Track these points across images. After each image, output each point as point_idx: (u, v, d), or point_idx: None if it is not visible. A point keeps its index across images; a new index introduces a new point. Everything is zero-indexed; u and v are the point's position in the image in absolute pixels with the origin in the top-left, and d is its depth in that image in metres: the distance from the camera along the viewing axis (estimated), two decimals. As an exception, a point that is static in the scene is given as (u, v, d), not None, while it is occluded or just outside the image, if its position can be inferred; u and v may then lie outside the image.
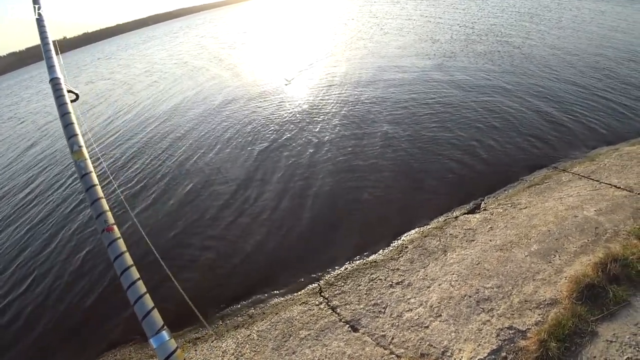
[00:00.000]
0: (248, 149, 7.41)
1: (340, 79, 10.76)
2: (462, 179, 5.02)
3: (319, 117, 8.17)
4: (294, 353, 3.21)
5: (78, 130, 1.09)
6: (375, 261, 3.98)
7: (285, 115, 8.82)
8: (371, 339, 3.08)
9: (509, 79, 8.29)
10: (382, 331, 3.11)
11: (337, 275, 3.96)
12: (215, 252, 4.79)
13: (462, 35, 13.27)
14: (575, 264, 2.98)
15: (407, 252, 3.97)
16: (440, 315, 3.05)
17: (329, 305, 3.59)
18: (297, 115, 8.58)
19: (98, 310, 4.47)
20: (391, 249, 4.10)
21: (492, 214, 4.04)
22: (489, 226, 3.87)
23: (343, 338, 3.17)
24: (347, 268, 4.02)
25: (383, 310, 3.31)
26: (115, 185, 6.88)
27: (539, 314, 2.69)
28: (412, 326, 3.05)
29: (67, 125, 1.09)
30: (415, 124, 6.87)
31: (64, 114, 1.11)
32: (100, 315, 4.37)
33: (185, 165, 7.31)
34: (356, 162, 6.00)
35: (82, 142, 1.08)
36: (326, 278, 3.97)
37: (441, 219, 4.31)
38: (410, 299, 3.33)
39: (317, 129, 7.55)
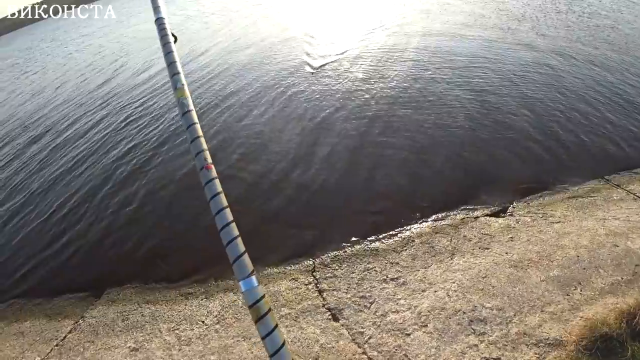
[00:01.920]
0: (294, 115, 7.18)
1: (403, 48, 9.90)
2: (497, 171, 4.45)
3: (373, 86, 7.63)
4: (270, 329, 3.16)
5: (180, 69, 1.11)
6: (376, 249, 3.73)
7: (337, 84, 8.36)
8: (348, 332, 2.93)
9: (594, 65, 7.04)
10: (362, 327, 2.94)
11: (334, 256, 3.78)
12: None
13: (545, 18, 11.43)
14: (598, 305, 2.53)
15: (412, 246, 3.66)
16: (427, 325, 2.80)
17: (317, 287, 3.46)
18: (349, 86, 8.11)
19: (113, 246, 4.74)
20: (397, 239, 3.81)
21: (518, 222, 3.55)
22: (510, 236, 3.42)
23: (321, 325, 3.05)
24: (346, 251, 3.82)
25: (369, 305, 3.11)
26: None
27: (536, 354, 2.35)
28: (393, 329, 2.84)
29: (170, 63, 1.11)
30: (477, 98, 6.15)
31: (167, 53, 1.12)
32: (113, 253, 4.65)
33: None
34: (394, 135, 5.55)
35: (184, 81, 1.09)
36: (322, 257, 3.81)
37: (459, 216, 3.89)
38: (400, 299, 3.09)
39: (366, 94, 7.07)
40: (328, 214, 4.37)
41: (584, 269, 2.86)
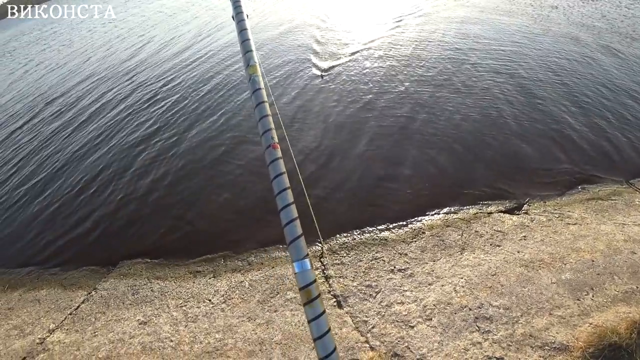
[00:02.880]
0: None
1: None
2: (515, 166, 4.32)
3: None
4: (275, 311, 3.21)
5: (253, 47, 1.13)
6: (385, 239, 3.71)
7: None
8: (352, 320, 2.95)
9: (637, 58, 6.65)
10: (366, 316, 2.96)
11: (343, 243, 3.78)
12: (231, 192, 4.83)
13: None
14: (609, 312, 2.47)
15: (422, 238, 3.63)
16: (431, 319, 2.80)
17: (323, 273, 3.48)
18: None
19: (127, 222, 4.88)
20: (407, 230, 3.78)
21: (532, 221, 3.47)
22: (523, 234, 3.35)
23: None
24: (354, 238, 3.81)
25: (374, 295, 3.12)
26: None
27: (540, 356, 2.33)
28: (397, 321, 2.85)
29: (244, 41, 1.13)
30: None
31: (242, 30, 1.15)
32: (127, 229, 4.78)
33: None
34: (416, 122, 5.42)
35: (256, 58, 1.10)
36: (331, 244, 3.82)
37: (472, 210, 3.82)
38: (406, 291, 3.08)
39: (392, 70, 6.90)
40: (339, 200, 4.35)
41: (598, 274, 2.79)
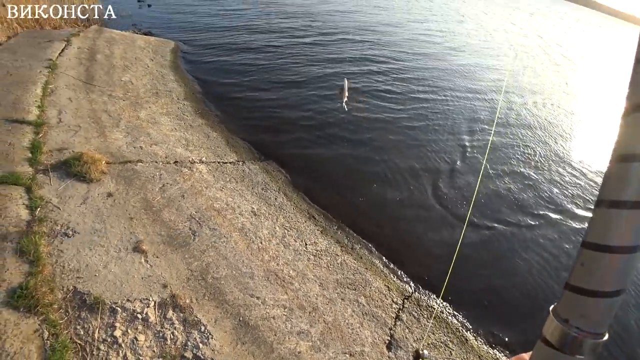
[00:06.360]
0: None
1: None
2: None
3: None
4: (342, 299, 3.36)
5: None
6: (465, 338, 3.40)
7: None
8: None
9: None
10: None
11: (430, 307, 3.61)
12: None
13: None
14: None
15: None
16: None
17: (397, 312, 3.44)
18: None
19: (310, 141, 5.77)
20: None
21: None
22: None
23: (376, 340, 3.12)
24: (443, 312, 3.59)
25: None
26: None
27: None
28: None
29: None
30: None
31: None
32: (301, 145, 5.63)
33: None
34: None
35: None
36: (422, 297, 3.70)
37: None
38: None
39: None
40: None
41: None
